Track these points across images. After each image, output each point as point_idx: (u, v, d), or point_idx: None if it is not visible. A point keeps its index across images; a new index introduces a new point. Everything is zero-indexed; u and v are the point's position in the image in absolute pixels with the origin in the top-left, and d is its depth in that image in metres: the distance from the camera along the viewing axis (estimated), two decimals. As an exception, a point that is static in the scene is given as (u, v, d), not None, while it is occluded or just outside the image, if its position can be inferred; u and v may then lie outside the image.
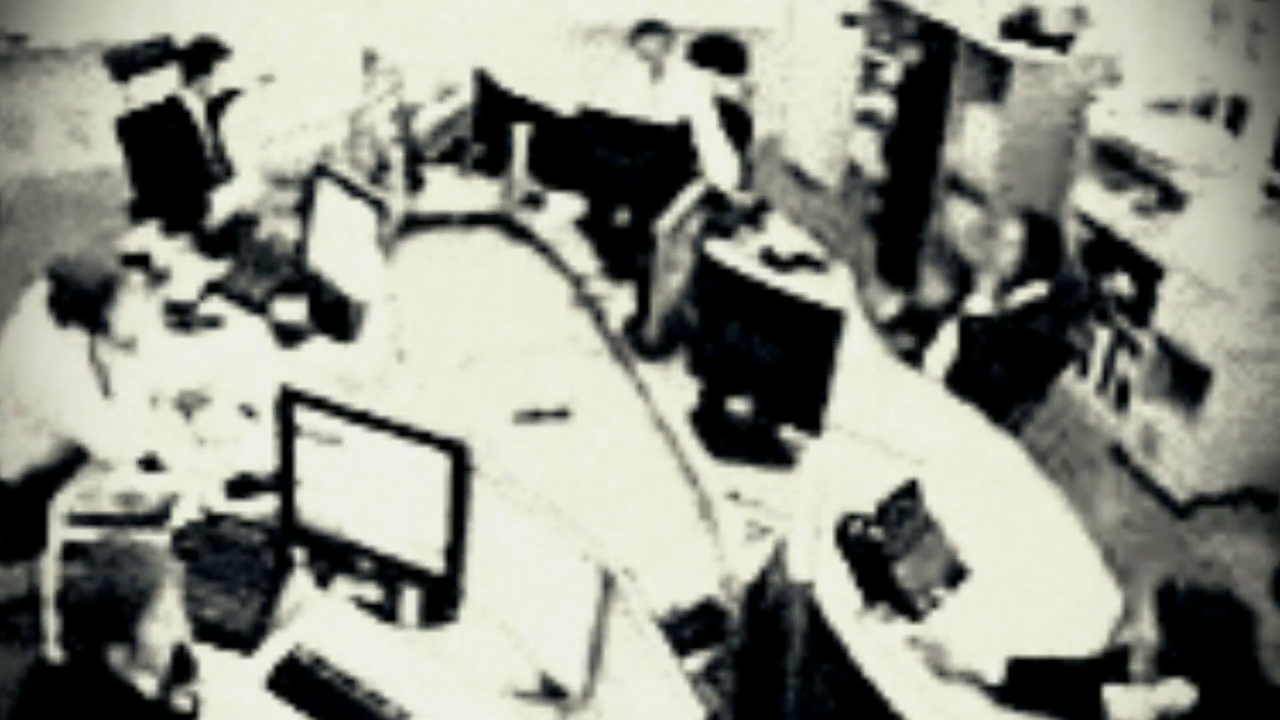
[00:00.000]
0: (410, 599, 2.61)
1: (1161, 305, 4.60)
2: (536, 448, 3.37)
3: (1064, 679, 2.56)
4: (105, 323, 3.14)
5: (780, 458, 3.28)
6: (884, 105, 6.18)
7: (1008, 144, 5.27)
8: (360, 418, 2.51)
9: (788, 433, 3.30)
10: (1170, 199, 4.84)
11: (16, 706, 2.18)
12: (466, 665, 2.52)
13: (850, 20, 6.68)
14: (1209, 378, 4.42)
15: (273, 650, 2.47)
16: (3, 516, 3.25)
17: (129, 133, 4.81)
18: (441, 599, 2.60)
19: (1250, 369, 4.38)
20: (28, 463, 3.21)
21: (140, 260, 3.94)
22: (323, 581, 2.69)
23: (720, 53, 5.21)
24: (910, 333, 4.05)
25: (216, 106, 4.75)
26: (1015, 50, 5.15)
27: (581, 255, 4.39)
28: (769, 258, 4.31)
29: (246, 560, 2.67)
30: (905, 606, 2.77)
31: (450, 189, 4.87)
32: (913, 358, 3.95)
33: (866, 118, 6.41)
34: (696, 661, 2.62)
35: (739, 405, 3.38)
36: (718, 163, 4.78)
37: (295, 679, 2.42)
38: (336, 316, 3.68)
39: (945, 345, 3.91)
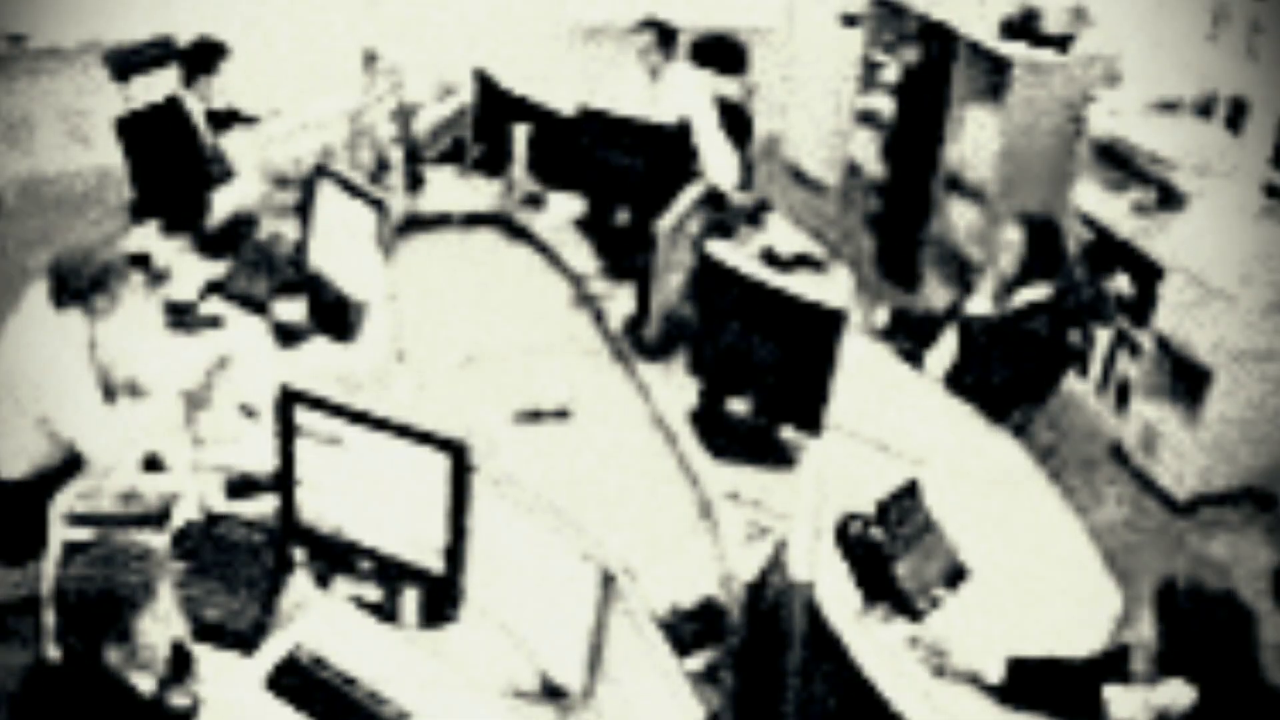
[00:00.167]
0: (410, 599, 2.61)
1: (1161, 305, 4.60)
2: (536, 448, 3.37)
3: (1064, 679, 2.56)
4: (97, 308, 3.19)
5: (780, 458, 3.28)
6: (884, 105, 6.18)
7: (1008, 144, 5.27)
8: (360, 418, 2.51)
9: (788, 433, 3.31)
10: (1170, 199, 4.84)
11: (16, 706, 2.18)
12: (466, 665, 2.52)
13: (850, 20, 6.68)
14: (1209, 378, 4.42)
15: (273, 650, 2.47)
16: (3, 517, 3.25)
17: (129, 133, 4.81)
18: (441, 599, 2.60)
19: (1250, 369, 4.38)
20: (29, 461, 3.22)
21: (140, 260, 3.94)
22: (323, 581, 2.69)
23: (721, 53, 5.21)
24: (905, 338, 4.04)
25: (222, 124, 4.76)
26: (1015, 50, 5.15)
27: (581, 255, 4.39)
28: (769, 258, 4.31)
29: (246, 560, 2.67)
30: (905, 606, 2.77)
31: (450, 189, 4.87)
32: (913, 358, 3.95)
33: (866, 118, 6.41)
34: (696, 661, 2.62)
35: (739, 405, 3.38)
36: (718, 163, 4.78)
37: (295, 679, 2.42)
38: (336, 316, 3.68)
39: (946, 346, 3.91)
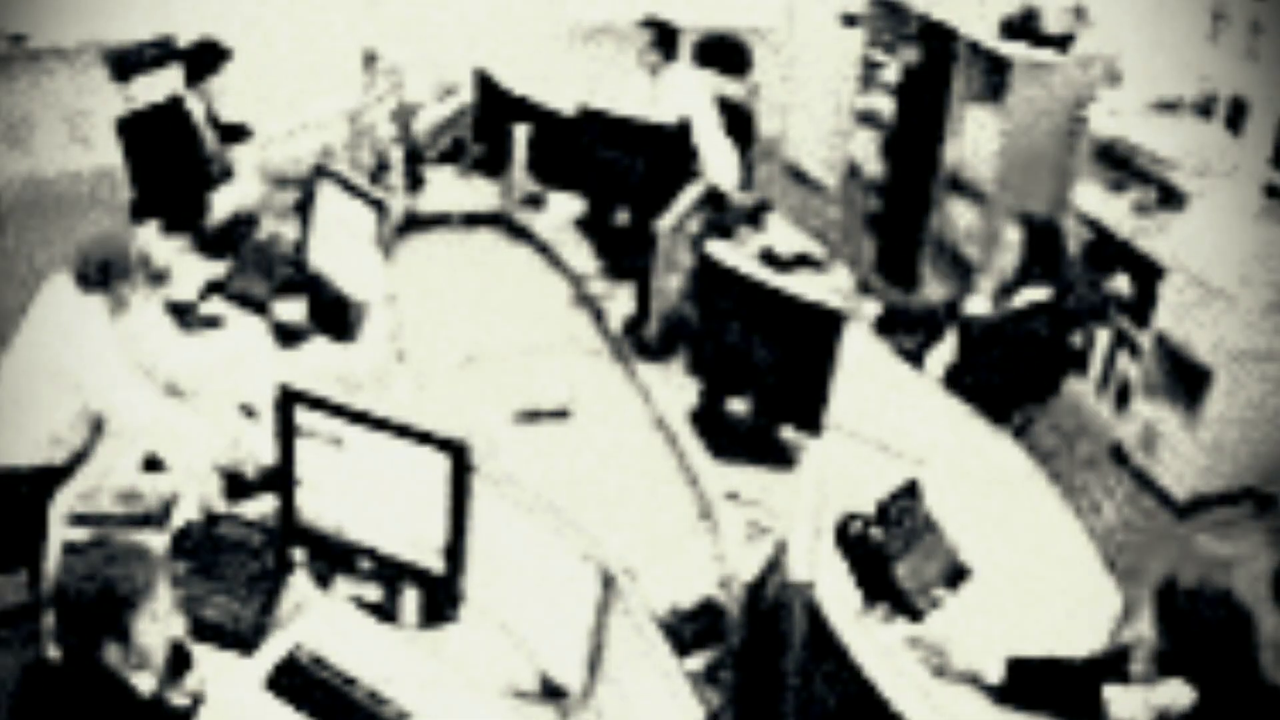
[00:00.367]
0: (410, 599, 2.61)
1: (1161, 305, 4.60)
2: (536, 448, 3.37)
3: (1064, 679, 2.56)
4: (120, 295, 3.25)
5: (780, 458, 3.28)
6: (884, 105, 6.18)
7: (1008, 144, 5.27)
8: (360, 418, 2.51)
9: (788, 433, 3.31)
10: (1170, 199, 4.84)
11: (15, 705, 2.18)
12: (466, 665, 2.52)
13: (850, 20, 6.68)
14: (1209, 378, 4.42)
15: (273, 650, 2.47)
16: (7, 513, 3.25)
17: (129, 133, 4.81)
18: (441, 599, 2.60)
19: (1250, 369, 4.38)
20: (51, 442, 3.21)
21: (140, 260, 3.94)
22: (323, 581, 2.69)
23: (724, 53, 5.21)
24: (901, 333, 4.04)
25: (229, 137, 4.77)
26: (1015, 50, 5.15)
27: (581, 255, 4.39)
28: (769, 258, 4.31)
29: (246, 560, 2.67)
30: (905, 606, 2.77)
31: (450, 189, 4.88)
32: (913, 358, 3.95)
33: (866, 118, 6.41)
34: (696, 661, 2.62)
35: (739, 405, 3.38)
36: (718, 163, 4.78)
37: (295, 679, 2.42)
38: (336, 316, 3.68)
39: (946, 346, 3.91)
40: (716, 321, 3.38)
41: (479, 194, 4.82)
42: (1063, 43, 5.15)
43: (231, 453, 2.95)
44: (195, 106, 4.71)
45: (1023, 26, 5.19)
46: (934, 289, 5.85)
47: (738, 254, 3.91)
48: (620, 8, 6.67)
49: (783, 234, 4.60)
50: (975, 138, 5.51)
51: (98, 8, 6.24)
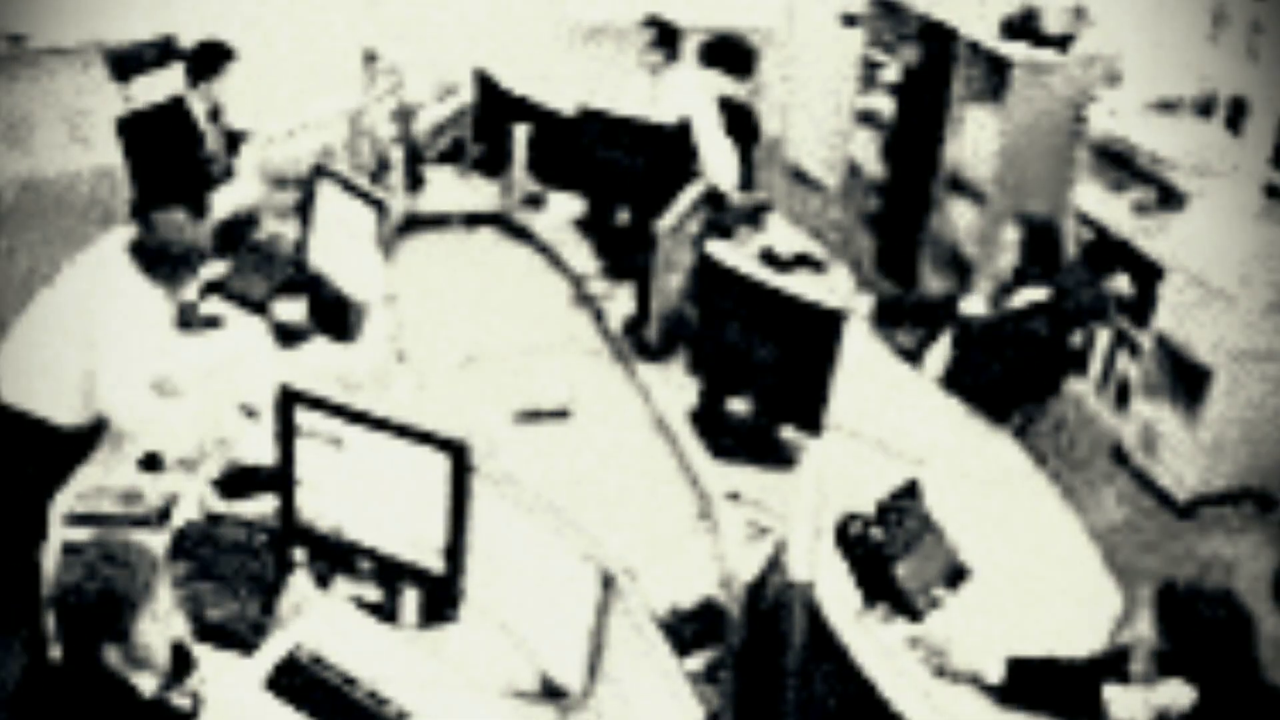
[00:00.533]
0: (410, 599, 2.61)
1: (1161, 305, 4.60)
2: (536, 448, 3.37)
3: (1064, 679, 2.56)
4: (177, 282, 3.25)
5: (780, 458, 3.28)
6: (884, 105, 6.18)
7: (1008, 144, 5.27)
8: (360, 418, 2.51)
9: (788, 433, 3.30)
10: (1170, 199, 4.84)
11: (16, 706, 2.18)
12: (466, 665, 2.51)
13: (850, 20, 6.68)
14: (1209, 378, 4.42)
15: (273, 650, 2.47)
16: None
17: (130, 132, 4.81)
18: (441, 599, 2.60)
19: (1250, 369, 4.38)
20: (81, 408, 3.20)
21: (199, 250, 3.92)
22: (323, 581, 2.69)
23: (729, 54, 5.21)
24: (899, 328, 4.04)
25: (233, 137, 4.77)
26: (1015, 50, 5.15)
27: (581, 255, 4.39)
28: (769, 258, 4.31)
29: (246, 560, 2.67)
30: (905, 607, 2.77)
31: (450, 189, 4.88)
32: (911, 357, 3.95)
33: (866, 118, 6.41)
34: (696, 661, 2.62)
35: (739, 405, 3.38)
36: (718, 163, 4.78)
37: (295, 679, 2.42)
38: (336, 316, 3.68)
39: (944, 346, 3.91)
40: (716, 321, 3.38)
41: (479, 194, 4.82)
42: (1063, 43, 5.15)
43: (224, 450, 2.95)
44: (197, 106, 4.71)
45: (1023, 26, 5.19)
46: (934, 289, 5.85)
47: (738, 254, 3.91)
48: (620, 8, 6.67)
49: (783, 234, 4.60)
50: (975, 138, 5.51)
51: (98, 8, 6.24)
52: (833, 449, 3.23)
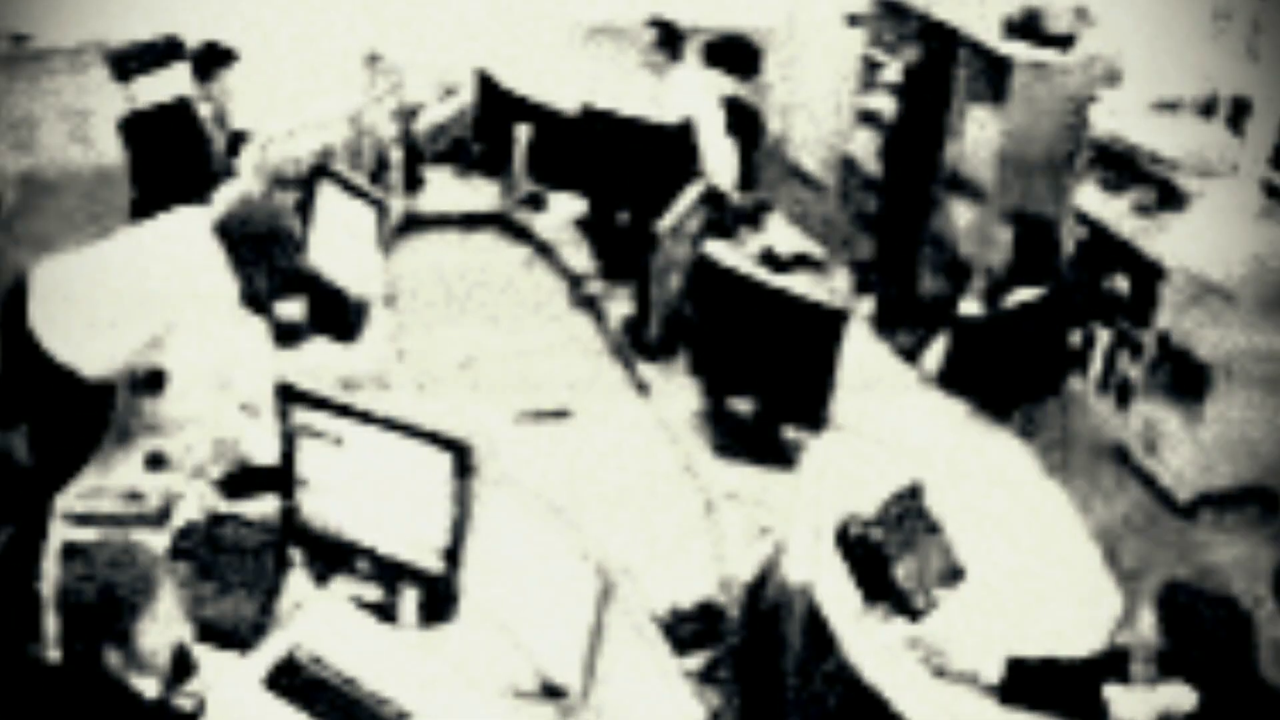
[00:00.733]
0: (410, 599, 2.61)
1: (1162, 305, 4.60)
2: (536, 448, 3.37)
3: (1063, 679, 2.56)
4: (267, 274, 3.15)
5: (780, 458, 3.28)
6: (884, 105, 6.18)
7: (1008, 144, 5.27)
8: (361, 416, 2.51)
9: (788, 433, 3.30)
10: (1170, 199, 4.83)
11: (14, 708, 2.18)
12: (466, 665, 2.51)
13: (852, 20, 6.68)
14: (1209, 377, 4.42)
15: (272, 650, 2.47)
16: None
17: (133, 132, 4.81)
18: (441, 599, 2.60)
19: (1251, 369, 4.38)
20: (109, 366, 3.14)
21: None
22: (323, 581, 2.69)
23: (734, 54, 5.20)
24: (899, 330, 4.05)
25: (236, 138, 4.77)
26: (1016, 50, 5.15)
27: (581, 255, 4.39)
28: (768, 258, 4.31)
29: (246, 560, 2.67)
30: (904, 607, 2.77)
31: (450, 189, 4.88)
32: (910, 356, 3.94)
33: (866, 118, 6.40)
34: (696, 661, 2.62)
35: (740, 405, 3.38)
36: (718, 163, 4.77)
37: (295, 679, 2.42)
38: (336, 316, 3.68)
39: (942, 346, 3.91)
40: (716, 321, 3.38)
41: (479, 194, 4.82)
42: (1065, 42, 5.15)
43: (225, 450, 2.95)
44: (203, 107, 4.71)
45: (1025, 26, 5.18)
46: (933, 289, 5.85)
47: (737, 254, 3.92)
48: (622, 8, 6.66)
49: (783, 234, 4.60)
50: (975, 138, 5.51)
51: (99, 8, 6.24)
52: (833, 449, 3.23)
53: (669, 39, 5.05)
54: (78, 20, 6.26)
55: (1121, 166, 5.06)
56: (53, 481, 2.92)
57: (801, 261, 4.34)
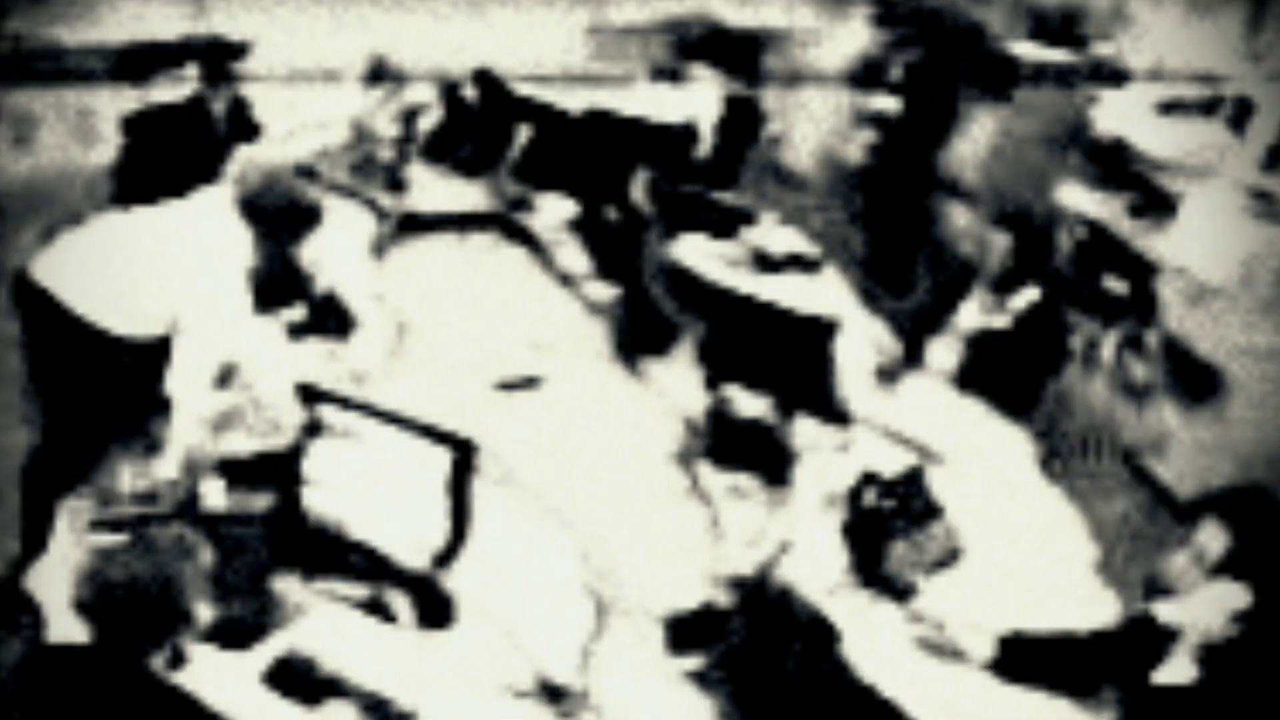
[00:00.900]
0: (409, 598, 2.61)
1: (1165, 305, 4.60)
2: (537, 448, 3.37)
3: (1062, 654, 2.56)
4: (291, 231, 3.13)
5: (781, 458, 3.27)
6: (884, 105, 6.18)
7: (1008, 144, 5.27)
8: (361, 415, 2.51)
9: (788, 433, 3.30)
10: (1170, 199, 4.83)
11: (22, 692, 2.18)
12: (466, 665, 2.51)
13: (852, 20, 6.68)
14: (1212, 377, 4.42)
15: (272, 649, 2.47)
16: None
17: (137, 131, 4.82)
18: (440, 598, 2.60)
19: (1253, 368, 4.37)
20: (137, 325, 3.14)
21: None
22: (322, 580, 2.68)
23: (729, 49, 5.21)
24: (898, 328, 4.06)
25: (242, 135, 4.77)
26: (1018, 50, 5.15)
27: (579, 255, 4.39)
28: (761, 259, 4.29)
29: (247, 559, 2.67)
30: (901, 585, 2.76)
31: (447, 189, 4.87)
32: (912, 356, 3.94)
33: (867, 118, 6.40)
34: (696, 661, 2.62)
35: (739, 405, 3.38)
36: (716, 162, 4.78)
37: (294, 678, 2.42)
38: (335, 316, 3.67)
39: (941, 345, 3.91)
40: (707, 322, 3.39)
41: (477, 195, 4.82)
42: (1065, 43, 5.15)
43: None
44: (215, 106, 4.71)
45: (1037, 27, 5.19)
46: (933, 290, 5.85)
47: (730, 255, 3.92)
48: (627, 8, 6.66)
49: (778, 234, 4.60)
50: (975, 138, 5.51)
51: (98, 8, 6.24)
52: (835, 449, 3.23)
53: (682, 40, 5.05)
54: (78, 20, 6.25)
55: (1121, 167, 5.06)
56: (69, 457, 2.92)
57: (795, 262, 4.33)
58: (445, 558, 2.52)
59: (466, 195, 4.84)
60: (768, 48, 7.00)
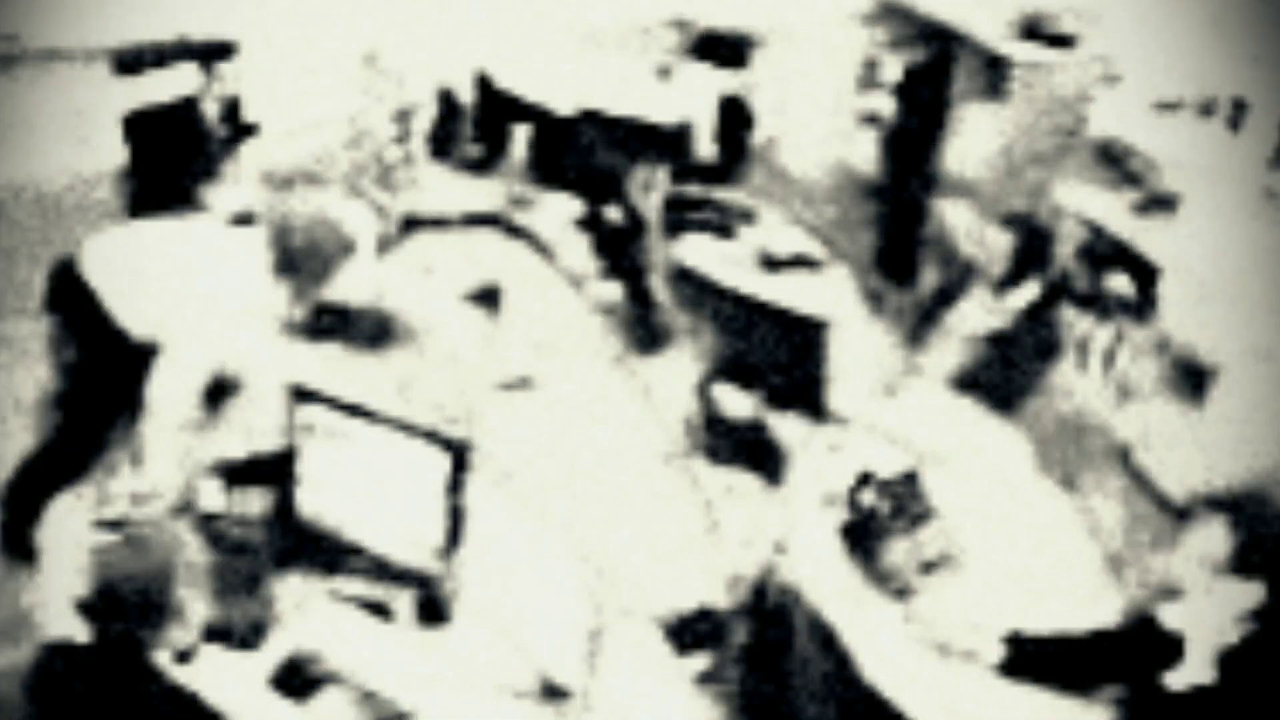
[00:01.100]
0: (409, 598, 2.61)
1: (1162, 305, 4.60)
2: (536, 447, 3.37)
3: (1066, 653, 2.55)
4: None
5: (780, 458, 3.28)
6: (884, 105, 6.18)
7: (1007, 144, 5.27)
8: (360, 415, 2.51)
9: (787, 433, 3.30)
10: (1169, 199, 4.83)
11: (34, 691, 2.19)
12: (466, 665, 2.51)
13: (851, 20, 6.68)
14: (1210, 377, 4.42)
15: (273, 650, 2.48)
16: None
17: (136, 131, 4.82)
18: (440, 599, 2.60)
19: (1251, 369, 4.37)
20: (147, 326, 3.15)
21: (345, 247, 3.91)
22: (322, 580, 2.69)
23: (722, 48, 5.21)
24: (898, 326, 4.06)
25: (241, 135, 4.77)
26: (1015, 50, 5.15)
27: (581, 255, 4.39)
28: (765, 258, 4.30)
29: (246, 560, 2.67)
30: (899, 584, 2.76)
31: (450, 189, 4.87)
32: (909, 355, 3.94)
33: (867, 118, 6.40)
34: (696, 662, 2.62)
35: (738, 405, 3.38)
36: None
37: (295, 678, 2.42)
38: (336, 316, 3.67)
39: (940, 345, 3.91)
40: (708, 323, 3.39)
41: (479, 194, 4.82)
42: (1066, 43, 5.15)
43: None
44: (209, 106, 4.71)
45: (1027, 27, 5.19)
46: (932, 289, 5.85)
47: (732, 254, 3.92)
48: (621, 7, 6.67)
49: (782, 234, 4.60)
50: (975, 138, 5.51)
51: (98, 8, 6.24)
52: (832, 449, 3.23)
53: (687, 39, 5.05)
54: (76, 20, 6.25)
55: (1121, 167, 5.06)
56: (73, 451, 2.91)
57: (799, 262, 4.34)
58: (443, 558, 2.52)
59: (468, 195, 4.84)
60: (768, 48, 7.02)
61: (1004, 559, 2.97)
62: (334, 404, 2.55)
